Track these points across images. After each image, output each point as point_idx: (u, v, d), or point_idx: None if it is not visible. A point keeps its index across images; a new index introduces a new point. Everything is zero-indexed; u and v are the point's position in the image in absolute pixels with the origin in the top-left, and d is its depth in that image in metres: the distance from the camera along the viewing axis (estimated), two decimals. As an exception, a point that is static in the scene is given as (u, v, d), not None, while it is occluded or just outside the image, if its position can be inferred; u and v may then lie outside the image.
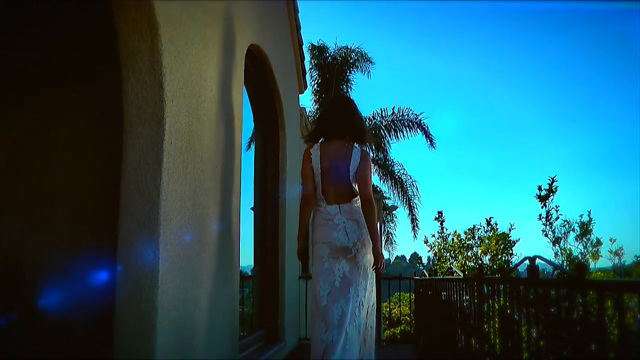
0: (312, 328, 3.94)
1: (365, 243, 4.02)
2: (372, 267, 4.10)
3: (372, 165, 23.43)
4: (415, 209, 23.27)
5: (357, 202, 4.12)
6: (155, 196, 2.96)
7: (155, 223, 2.93)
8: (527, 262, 2.76)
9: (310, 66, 23.15)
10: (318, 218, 4.14)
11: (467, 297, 4.27)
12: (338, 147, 4.15)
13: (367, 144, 4.38)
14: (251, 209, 6.77)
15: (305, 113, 9.95)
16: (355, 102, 4.46)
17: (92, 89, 3.86)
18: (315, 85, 23.65)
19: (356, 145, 4.20)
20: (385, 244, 25.34)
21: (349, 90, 23.92)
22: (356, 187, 4.11)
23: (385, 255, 28.92)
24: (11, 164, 3.88)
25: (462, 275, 4.62)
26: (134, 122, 3.03)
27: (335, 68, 23.11)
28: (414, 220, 23.24)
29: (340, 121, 4.20)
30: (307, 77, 9.82)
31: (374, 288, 4.23)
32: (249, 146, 6.64)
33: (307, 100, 24.72)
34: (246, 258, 6.46)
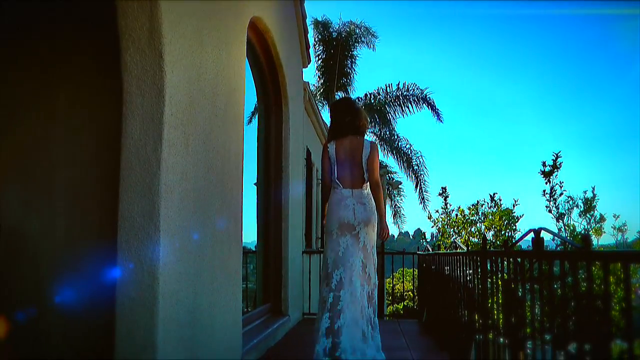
0: (320, 290, 4.77)
1: (368, 224, 4.75)
2: (373, 243, 4.80)
3: (378, 140, 23.51)
4: (423, 183, 23.28)
5: (367, 188, 4.87)
6: (156, 168, 2.93)
7: (155, 195, 2.91)
8: (532, 234, 2.72)
9: (315, 42, 23.01)
10: (334, 198, 4.85)
11: (471, 272, 4.25)
12: (351, 142, 4.94)
13: (365, 129, 5.16)
14: (255, 184, 6.75)
15: (309, 88, 9.87)
16: (353, 99, 5.48)
17: (91, 59, 3.81)
18: (320, 62, 23.54)
19: (365, 138, 5.01)
20: (393, 218, 25.57)
21: (354, 65, 23.83)
22: (367, 173, 4.83)
23: (395, 229, 29.38)
24: (10, 137, 3.85)
25: (465, 249, 4.60)
26: (134, 93, 2.99)
27: (340, 43, 22.96)
28: (421, 193, 23.26)
29: (346, 121, 5.00)
30: (311, 51, 9.73)
31: (375, 261, 4.84)
32: (250, 120, 6.59)
33: (311, 76, 24.61)
34: (250, 234, 6.46)
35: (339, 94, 23.88)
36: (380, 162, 21.27)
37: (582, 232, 11.34)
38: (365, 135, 5.15)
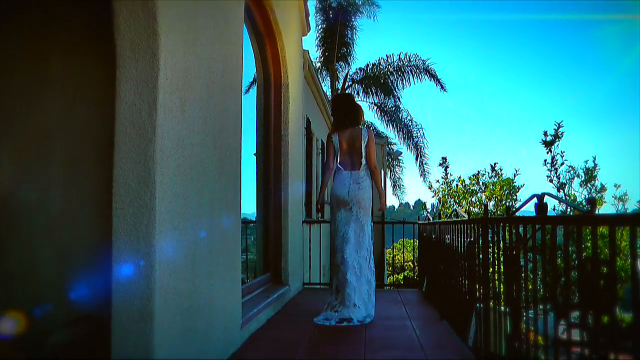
0: (331, 252, 6.01)
1: (360, 200, 5.72)
2: (367, 215, 5.77)
3: (379, 112, 23.44)
4: (423, 155, 23.24)
5: (363, 170, 5.78)
6: (151, 134, 2.87)
7: (151, 161, 2.85)
8: (534, 200, 2.67)
9: (315, 10, 22.80)
10: (337, 179, 5.86)
11: (472, 240, 4.21)
12: (351, 132, 5.87)
13: (362, 121, 6.08)
14: (254, 154, 6.70)
15: (309, 57, 9.75)
16: (352, 96, 6.50)
17: (83, 23, 3.72)
18: (320, 31, 23.37)
19: (363, 128, 5.92)
20: (393, 189, 25.66)
21: (354, 36, 23.68)
22: (364, 158, 5.76)
23: (395, 200, 29.56)
24: (3, 105, 3.77)
25: (466, 217, 4.55)
26: (127, 57, 2.91)
27: (340, 13, 22.73)
28: (421, 165, 23.23)
29: (347, 116, 5.91)
30: (311, 20, 9.59)
31: (368, 232, 5.77)
32: (249, 90, 6.51)
33: (311, 47, 24.42)
34: (251, 205, 6.43)
35: (339, 65, 23.78)
36: (380, 134, 21.37)
37: (583, 202, 11.32)
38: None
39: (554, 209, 10.38)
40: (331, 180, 6.04)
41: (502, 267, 3.42)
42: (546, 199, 2.68)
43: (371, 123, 23.83)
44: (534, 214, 2.74)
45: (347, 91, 23.41)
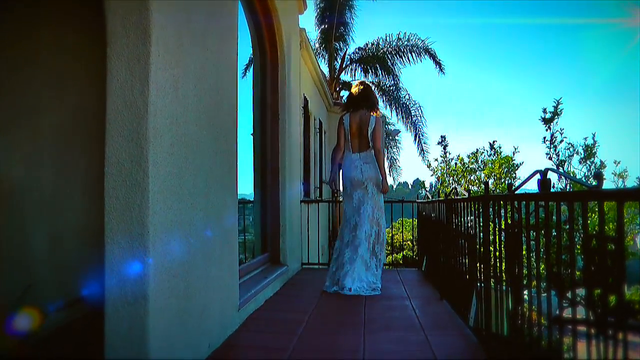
0: (339, 232, 6.45)
1: (373, 179, 6.23)
2: (379, 191, 6.30)
3: (378, 91, 23.35)
4: (421, 135, 23.17)
5: (371, 151, 6.31)
6: (144, 111, 2.79)
7: (143, 139, 2.77)
8: (538, 176, 2.60)
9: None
10: (346, 161, 6.37)
11: (472, 218, 4.15)
12: (362, 115, 6.36)
13: (376, 111, 6.47)
14: (251, 134, 6.63)
15: (306, 36, 9.63)
16: (370, 86, 6.76)
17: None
18: (319, 11, 23.19)
19: (372, 114, 6.36)
20: (389, 170, 25.60)
21: (353, 15, 23.51)
22: (371, 141, 6.27)
23: (390, 180, 29.53)
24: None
25: (467, 194, 4.49)
26: (118, 33, 2.82)
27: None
28: (420, 144, 23.16)
29: (362, 100, 6.41)
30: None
31: (381, 207, 6.36)
32: (245, 73, 6.44)
33: (310, 26, 24.26)
34: (248, 185, 6.38)
35: (338, 44, 23.63)
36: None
37: (582, 178, 11.26)
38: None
39: (553, 187, 10.31)
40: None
41: (502, 246, 3.36)
42: (549, 174, 2.62)
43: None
44: (537, 190, 2.68)
45: (345, 70, 23.44)
